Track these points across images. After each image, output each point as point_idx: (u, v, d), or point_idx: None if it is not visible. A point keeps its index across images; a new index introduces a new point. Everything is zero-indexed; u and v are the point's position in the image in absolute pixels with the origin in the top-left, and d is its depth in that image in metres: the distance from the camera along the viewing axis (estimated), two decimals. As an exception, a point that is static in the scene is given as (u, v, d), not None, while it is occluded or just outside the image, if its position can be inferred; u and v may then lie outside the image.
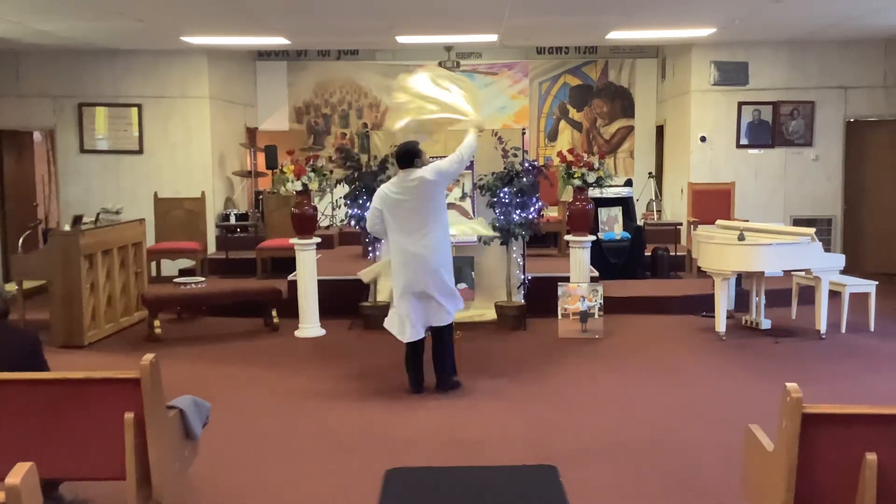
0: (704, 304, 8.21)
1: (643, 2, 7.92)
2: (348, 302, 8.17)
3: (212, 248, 10.71)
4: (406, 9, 8.14)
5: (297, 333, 7.78)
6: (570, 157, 7.88)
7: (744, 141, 10.86)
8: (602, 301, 7.63)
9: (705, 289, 8.19)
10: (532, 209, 7.85)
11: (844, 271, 7.66)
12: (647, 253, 9.93)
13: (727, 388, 6.05)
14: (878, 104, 10.74)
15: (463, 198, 7.99)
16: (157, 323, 7.73)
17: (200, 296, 8.14)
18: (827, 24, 9.14)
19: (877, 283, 7.80)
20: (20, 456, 2.41)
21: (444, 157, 6.00)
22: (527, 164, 8.01)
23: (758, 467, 3.18)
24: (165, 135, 10.83)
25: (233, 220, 11.13)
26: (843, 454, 2.84)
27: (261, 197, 11.29)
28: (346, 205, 8.07)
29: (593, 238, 8.14)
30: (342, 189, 8.29)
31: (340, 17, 8.49)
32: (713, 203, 10.02)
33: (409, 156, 5.71)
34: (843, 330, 7.59)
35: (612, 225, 9.99)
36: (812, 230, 7.40)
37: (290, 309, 7.99)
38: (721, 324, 7.39)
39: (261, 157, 11.64)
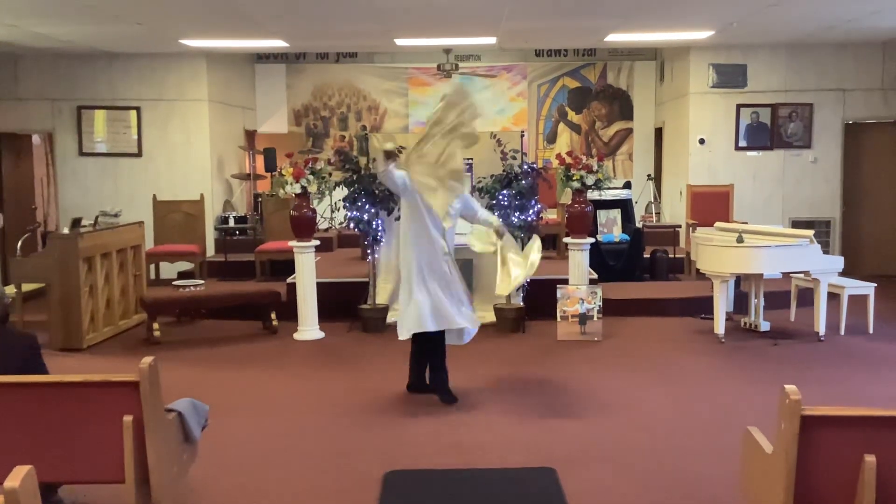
0: (703, 307, 8.21)
1: (641, 4, 7.93)
2: (347, 304, 8.17)
3: (211, 250, 10.71)
4: (404, 12, 8.14)
5: (296, 336, 7.78)
6: (568, 160, 7.89)
7: (742, 143, 10.87)
8: (601, 303, 7.63)
9: (704, 291, 8.19)
10: (531, 211, 7.86)
11: (843, 273, 7.66)
12: (646, 255, 9.94)
13: (726, 390, 6.05)
14: (876, 106, 10.75)
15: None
16: (155, 326, 7.72)
17: (199, 298, 8.13)
18: (825, 26, 9.15)
19: (875, 285, 7.81)
20: (19, 459, 2.40)
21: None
22: (525, 167, 8.02)
23: (757, 470, 3.18)
24: (164, 137, 10.83)
25: (231, 223, 11.13)
26: (842, 456, 2.84)
27: (259, 199, 11.29)
28: (344, 207, 8.06)
29: (592, 240, 8.15)
30: (341, 192, 8.29)
31: (339, 20, 8.50)
32: (712, 205, 10.03)
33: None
34: (842, 332, 7.60)
35: (610, 227, 9.99)
36: (811, 232, 7.40)
37: (289, 311, 7.99)
38: (720, 326, 7.39)
39: (259, 160, 11.64)
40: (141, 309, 8.13)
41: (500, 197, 7.77)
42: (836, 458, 2.85)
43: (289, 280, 8.50)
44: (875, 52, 10.64)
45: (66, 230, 7.98)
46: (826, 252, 8.61)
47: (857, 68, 10.69)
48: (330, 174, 8.06)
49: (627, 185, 11.49)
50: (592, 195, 8.29)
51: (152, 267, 9.76)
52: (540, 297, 8.01)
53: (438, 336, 5.73)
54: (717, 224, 8.21)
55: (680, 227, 10.71)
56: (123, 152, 10.85)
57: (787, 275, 7.82)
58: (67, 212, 10.38)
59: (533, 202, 7.87)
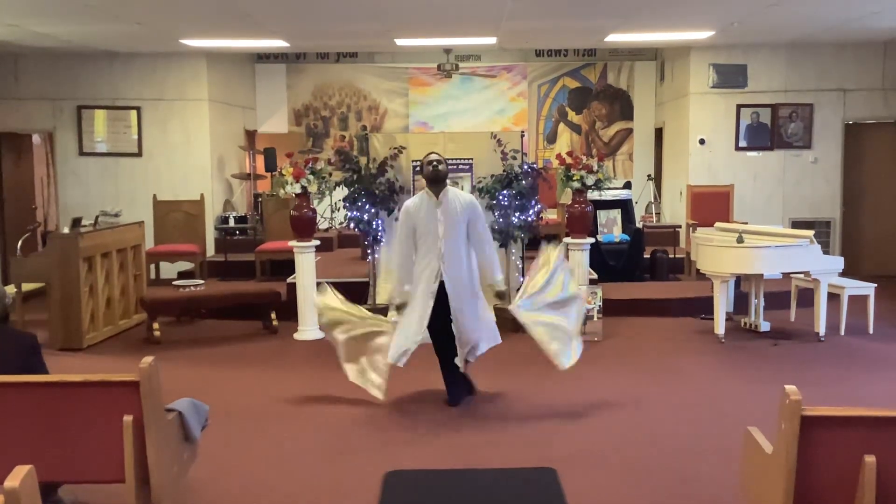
0: (703, 307, 8.21)
1: (642, 5, 7.93)
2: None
3: (211, 250, 10.71)
4: (405, 12, 8.15)
5: (296, 336, 7.78)
6: (568, 160, 7.89)
7: (742, 143, 10.87)
8: (601, 303, 7.63)
9: (704, 291, 8.20)
10: (531, 212, 7.85)
11: (843, 274, 7.66)
12: (646, 255, 9.94)
13: (726, 390, 6.05)
14: (877, 107, 10.75)
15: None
16: (155, 325, 7.72)
17: (199, 298, 8.14)
18: (825, 26, 9.15)
19: (875, 285, 7.81)
20: (19, 459, 2.40)
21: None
22: (526, 167, 8.01)
23: (757, 470, 3.18)
24: (164, 137, 10.83)
25: (232, 223, 11.13)
26: (842, 456, 2.84)
27: (260, 199, 11.29)
28: (345, 207, 8.06)
29: (592, 240, 8.15)
30: (341, 191, 8.29)
31: (339, 20, 8.50)
32: (712, 205, 10.04)
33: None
34: (842, 332, 7.60)
35: (611, 227, 9.99)
36: (811, 232, 7.40)
37: (289, 311, 7.99)
38: (720, 326, 7.39)
39: (260, 160, 11.64)
40: (141, 309, 8.13)
41: (501, 197, 7.76)
42: (835, 458, 2.85)
43: (289, 280, 8.51)
44: (875, 53, 10.64)
45: (66, 230, 7.98)
46: (826, 252, 8.61)
47: (857, 68, 10.69)
48: (330, 174, 8.06)
49: (628, 186, 11.50)
50: (592, 195, 8.29)
51: (152, 267, 9.76)
52: (540, 297, 8.00)
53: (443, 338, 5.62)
54: (718, 224, 8.21)
55: (680, 227, 10.71)
56: (124, 152, 10.85)
57: (787, 275, 7.81)
58: (68, 211, 10.38)
59: (533, 202, 7.87)
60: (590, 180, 7.79)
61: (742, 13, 8.34)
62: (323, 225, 11.28)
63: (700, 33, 9.60)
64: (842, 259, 7.67)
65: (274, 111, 12.68)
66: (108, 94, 10.77)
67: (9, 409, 3.29)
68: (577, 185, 7.80)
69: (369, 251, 8.17)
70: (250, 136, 12.02)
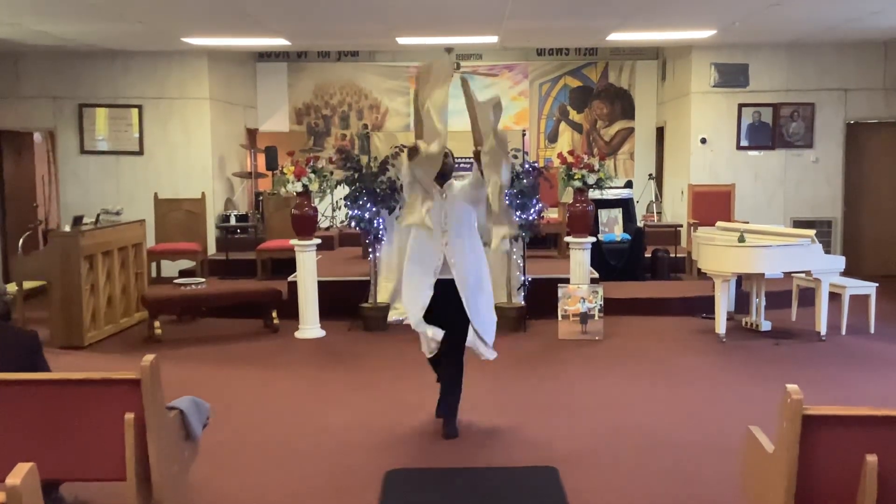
0: (704, 306, 8.21)
1: (643, 4, 7.92)
2: (348, 303, 8.17)
3: (212, 249, 10.71)
4: (406, 10, 8.14)
5: (297, 334, 7.78)
6: (570, 159, 7.89)
7: (744, 143, 10.87)
8: (602, 302, 7.63)
9: (705, 290, 8.19)
10: (532, 210, 7.85)
11: (844, 273, 7.66)
12: (648, 254, 9.94)
13: (727, 389, 6.04)
14: (878, 106, 10.74)
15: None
16: (157, 324, 7.72)
17: (200, 297, 8.14)
18: (826, 26, 9.15)
19: (877, 285, 7.81)
20: (20, 457, 2.40)
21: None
22: (527, 166, 8.02)
23: (758, 469, 3.18)
24: (165, 136, 10.83)
25: (233, 222, 11.13)
26: (844, 456, 2.84)
27: (261, 198, 11.29)
28: (346, 206, 8.07)
29: (593, 239, 8.15)
30: (342, 190, 8.30)
31: (341, 18, 8.50)
32: (713, 205, 10.03)
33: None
34: (844, 332, 7.60)
35: (612, 226, 9.99)
36: (812, 232, 7.40)
37: (290, 310, 7.99)
38: (721, 325, 7.39)
39: (261, 159, 11.65)
40: (142, 307, 8.13)
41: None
42: (837, 457, 2.85)
43: (290, 278, 8.51)
44: (877, 52, 10.63)
45: (67, 228, 7.97)
46: (827, 252, 8.60)
47: (858, 68, 10.68)
48: (331, 173, 8.06)
49: (629, 185, 11.49)
50: (594, 194, 8.29)
51: (153, 265, 9.76)
52: (541, 296, 8.01)
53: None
54: (719, 224, 8.21)
55: (681, 226, 10.71)
56: (125, 150, 10.85)
57: (788, 274, 7.81)
58: (69, 210, 10.38)
59: (534, 201, 7.87)
60: (591, 179, 7.79)
61: (743, 13, 8.34)
62: (324, 224, 11.29)
63: (701, 32, 9.59)
64: (843, 258, 7.67)
65: (275, 110, 12.68)
66: (109, 93, 10.77)
67: (10, 407, 3.29)
68: (578, 184, 7.81)
69: (370, 250, 8.17)
70: (251, 134, 12.03)
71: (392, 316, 8.10)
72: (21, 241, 8.55)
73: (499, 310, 7.87)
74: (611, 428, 5.18)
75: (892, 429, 2.82)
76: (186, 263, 10.11)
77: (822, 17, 8.64)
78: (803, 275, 7.61)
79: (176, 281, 8.38)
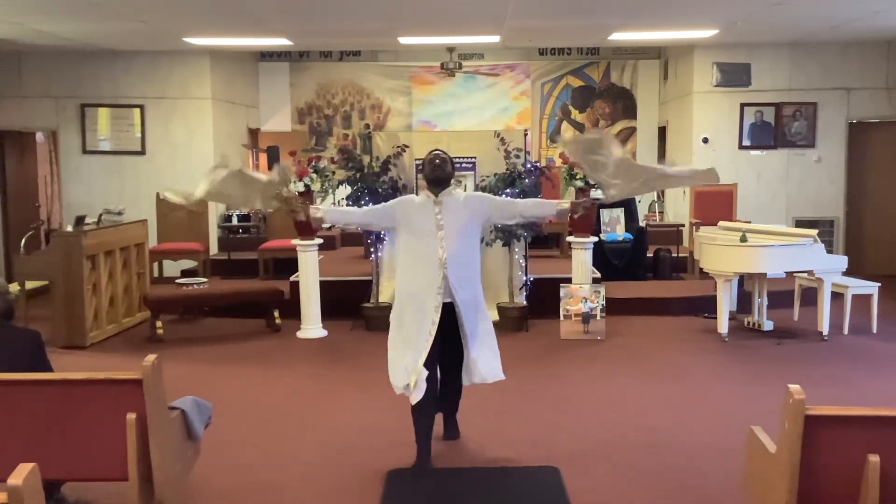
0: (706, 306, 8.20)
1: (645, 3, 7.92)
2: (350, 303, 8.17)
3: (214, 248, 10.72)
4: (408, 10, 8.14)
5: (299, 334, 7.78)
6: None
7: (746, 142, 10.86)
8: (604, 302, 7.62)
9: (707, 290, 8.19)
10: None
11: (847, 273, 7.64)
12: (650, 254, 9.93)
13: (729, 389, 6.04)
14: (881, 106, 10.73)
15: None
16: (159, 324, 7.73)
17: (202, 296, 8.14)
18: (829, 25, 9.14)
19: (879, 284, 7.79)
20: (22, 457, 2.41)
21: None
22: (529, 166, 8.02)
23: (760, 469, 3.18)
24: (167, 136, 10.83)
25: (235, 221, 11.14)
26: (846, 456, 2.83)
27: (263, 198, 11.27)
28: (348, 206, 8.06)
29: (595, 239, 8.15)
30: (344, 190, 8.30)
31: (343, 18, 8.50)
32: (715, 204, 10.01)
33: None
34: (846, 332, 7.59)
35: (614, 226, 9.98)
36: (814, 232, 7.39)
37: (292, 310, 8.00)
38: (723, 325, 7.38)
39: (263, 158, 11.65)
40: (144, 307, 8.14)
41: (504, 196, 7.76)
42: (839, 457, 2.85)
43: (292, 278, 8.51)
44: (879, 52, 10.62)
45: (69, 228, 7.98)
46: (830, 251, 8.59)
47: (861, 67, 10.67)
48: (333, 172, 8.07)
49: (631, 184, 11.45)
50: (596, 194, 8.27)
51: (156, 265, 9.77)
52: (543, 295, 8.01)
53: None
54: (721, 223, 8.20)
55: (683, 226, 10.70)
56: (127, 150, 10.86)
57: (790, 274, 7.80)
58: (71, 209, 10.38)
59: (536, 201, 7.85)
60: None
61: (746, 12, 8.33)
62: (326, 223, 11.27)
63: (704, 32, 9.58)
64: (845, 258, 7.66)
65: (277, 109, 12.68)
66: (111, 93, 10.77)
67: (12, 407, 3.29)
68: (580, 183, 7.80)
69: (372, 249, 8.17)
70: (253, 134, 12.03)
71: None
72: (23, 240, 8.56)
73: (501, 309, 7.93)
74: (613, 428, 5.18)
75: (894, 429, 2.82)
76: (188, 263, 10.12)
77: (825, 16, 8.63)
78: (805, 274, 7.60)
79: (178, 281, 8.38)
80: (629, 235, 9.84)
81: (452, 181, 4.69)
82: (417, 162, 7.95)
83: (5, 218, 10.74)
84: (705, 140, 10.84)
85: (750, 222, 8.96)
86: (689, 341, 7.51)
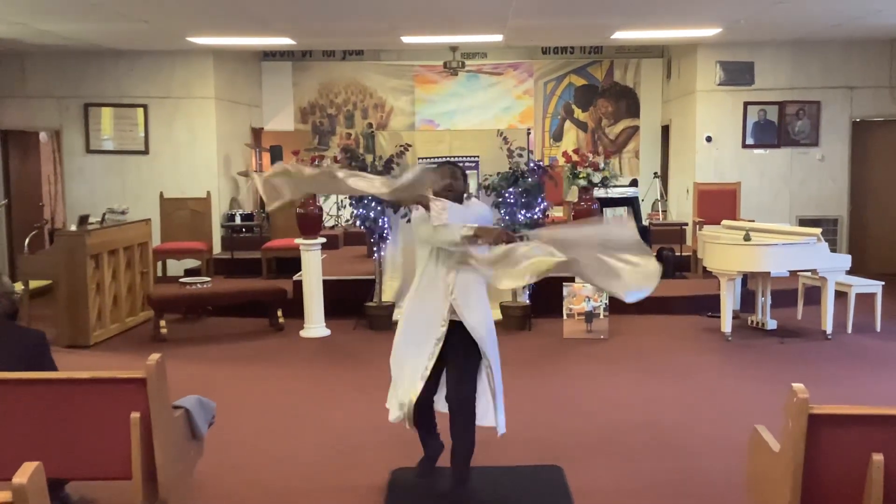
0: (710, 305, 8.20)
1: (648, 2, 7.91)
2: (353, 302, 8.17)
3: (217, 248, 10.73)
4: (411, 9, 8.14)
5: (303, 333, 7.79)
6: (575, 158, 7.89)
7: (749, 141, 10.84)
8: (607, 301, 7.62)
9: (711, 289, 8.18)
10: (537, 209, 7.85)
11: (850, 272, 7.63)
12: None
13: (732, 388, 6.03)
14: (884, 104, 10.71)
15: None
16: (162, 323, 7.74)
17: (206, 296, 8.15)
18: (832, 24, 9.12)
19: (883, 283, 7.78)
20: (27, 455, 2.41)
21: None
22: (532, 165, 8.01)
23: (763, 468, 3.17)
24: (171, 135, 10.84)
25: (238, 221, 11.14)
26: (850, 455, 2.83)
27: (266, 197, 11.27)
28: (351, 205, 8.08)
29: (598, 238, 8.12)
30: (347, 189, 8.28)
31: (346, 17, 8.49)
32: (719, 203, 10.01)
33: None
34: (850, 330, 7.58)
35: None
36: (818, 230, 7.38)
37: (295, 309, 8.00)
38: (727, 324, 7.38)
39: (266, 158, 11.65)
40: (148, 306, 8.14)
41: (507, 194, 7.76)
42: (843, 456, 2.84)
43: (295, 277, 8.52)
44: (882, 50, 10.60)
45: (73, 227, 8.00)
46: (833, 250, 8.59)
47: (864, 66, 10.65)
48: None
49: (634, 183, 11.48)
50: (599, 193, 8.29)
51: (159, 264, 9.79)
52: (546, 294, 8.01)
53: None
54: (724, 222, 8.19)
55: (686, 224, 10.69)
56: (130, 150, 10.87)
57: (794, 273, 7.79)
58: (74, 209, 10.40)
59: (539, 200, 7.86)
60: (596, 178, 7.78)
61: (749, 10, 8.32)
62: (329, 223, 11.29)
63: (707, 31, 9.57)
64: (849, 257, 7.65)
65: (280, 109, 12.69)
66: (114, 92, 10.78)
67: (17, 406, 3.30)
68: (583, 182, 7.80)
69: (375, 249, 8.18)
70: (256, 133, 12.03)
71: (397, 315, 8.11)
72: (27, 240, 8.55)
73: (504, 308, 7.93)
74: (616, 426, 5.18)
75: (898, 428, 2.81)
76: (192, 262, 10.13)
77: (828, 14, 8.61)
78: (809, 273, 7.59)
79: (181, 280, 8.39)
80: (632, 234, 9.82)
81: (464, 196, 4.29)
82: (420, 161, 7.96)
83: (9, 217, 10.76)
84: (708, 139, 10.82)
85: (753, 221, 8.95)
86: (692, 340, 7.50)
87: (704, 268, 7.92)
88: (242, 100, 11.89)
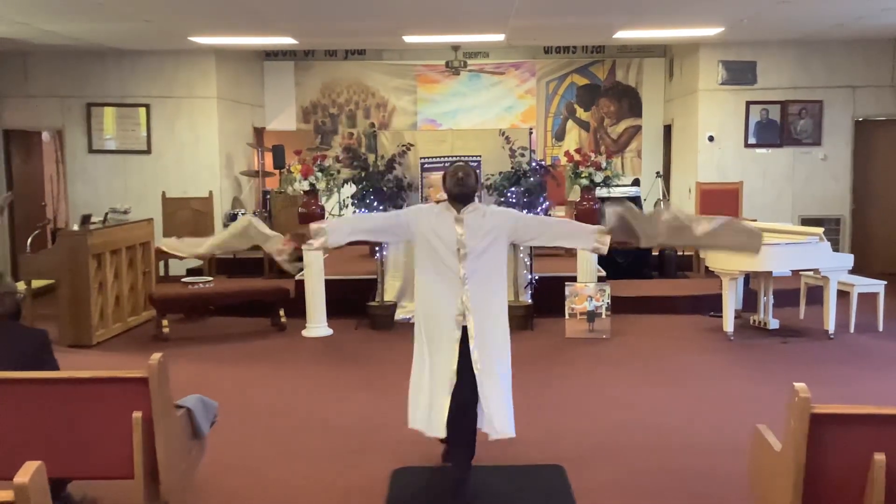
0: (712, 304, 8.19)
1: (650, 1, 7.90)
2: (355, 302, 8.18)
3: (219, 247, 10.71)
4: (413, 9, 8.14)
5: (305, 333, 7.79)
6: (577, 157, 7.87)
7: (752, 140, 10.83)
8: (609, 301, 7.62)
9: (713, 288, 8.17)
10: (539, 209, 7.85)
11: (853, 271, 7.63)
12: (655, 253, 9.91)
13: (735, 388, 6.03)
14: (887, 104, 10.70)
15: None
16: (164, 322, 7.74)
17: (208, 295, 8.16)
18: (834, 23, 9.11)
19: (885, 283, 7.77)
20: (29, 455, 2.41)
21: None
22: (534, 164, 8.01)
23: (765, 467, 3.17)
24: (173, 135, 10.85)
25: (240, 220, 11.12)
26: (852, 455, 2.83)
27: (268, 197, 11.29)
28: (353, 204, 8.07)
29: (600, 238, 8.11)
30: (349, 189, 8.30)
31: (348, 17, 8.50)
32: (721, 203, 10.00)
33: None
34: (852, 330, 7.57)
35: (619, 225, 9.95)
36: (820, 230, 7.38)
37: (297, 308, 8.00)
38: (729, 324, 7.37)
39: (268, 157, 11.65)
40: (150, 306, 8.15)
41: (509, 194, 7.76)
42: (845, 456, 2.84)
43: (297, 277, 8.51)
44: (885, 50, 10.58)
45: (75, 227, 8.00)
46: (836, 250, 8.56)
47: (867, 65, 10.63)
48: (338, 171, 8.06)
49: (636, 183, 11.45)
50: (601, 192, 8.27)
51: (161, 264, 9.79)
52: (548, 294, 8.01)
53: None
54: (727, 222, 8.17)
55: (689, 224, 10.66)
56: (133, 149, 10.88)
57: (796, 272, 7.79)
58: (77, 208, 10.42)
59: (541, 199, 7.86)
60: (598, 177, 7.77)
61: (752, 10, 8.31)
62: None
63: (709, 30, 9.56)
64: (851, 256, 7.64)
65: (282, 108, 12.69)
66: (116, 92, 10.79)
67: (19, 405, 3.30)
68: (585, 182, 7.79)
69: (377, 248, 8.18)
70: (259, 133, 12.03)
71: (399, 314, 8.12)
72: (29, 239, 8.56)
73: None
74: (618, 426, 5.18)
75: (900, 427, 2.81)
76: (194, 262, 10.13)
77: (831, 14, 8.60)
78: (811, 273, 7.58)
79: (184, 279, 8.40)
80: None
81: (476, 196, 4.22)
82: (422, 160, 7.96)
83: (11, 217, 10.77)
84: (711, 138, 10.81)
85: (756, 221, 8.94)
86: (694, 340, 7.50)
87: (707, 267, 7.92)
88: (245, 99, 11.90)
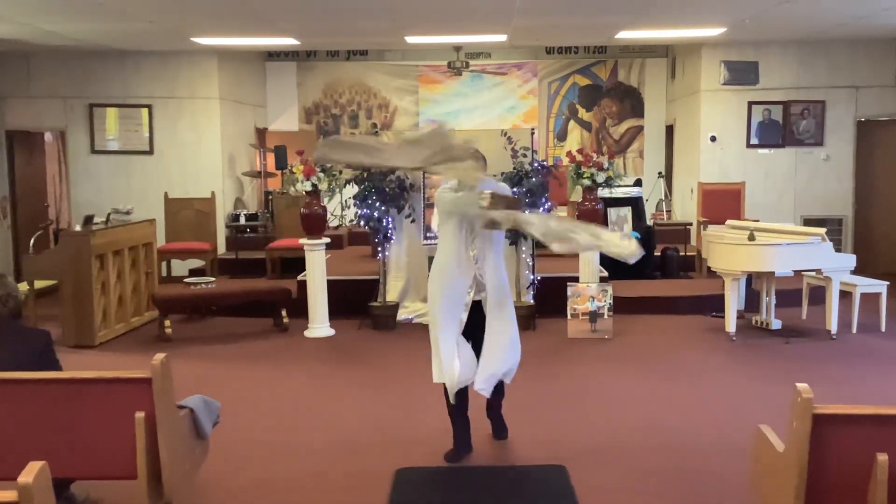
0: (714, 305, 8.19)
1: (652, 2, 7.90)
2: (358, 302, 8.18)
3: (222, 248, 10.74)
4: (415, 9, 8.14)
5: (307, 333, 7.80)
6: (579, 157, 7.88)
7: (754, 140, 10.83)
8: (611, 301, 7.62)
9: (715, 289, 8.17)
10: (541, 209, 7.84)
11: (855, 271, 7.63)
12: (657, 253, 9.91)
13: (737, 388, 6.03)
14: (889, 104, 10.69)
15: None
16: (167, 323, 7.75)
17: (210, 296, 8.16)
18: (837, 23, 9.10)
19: (888, 283, 7.77)
20: (32, 455, 2.42)
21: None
22: (536, 164, 8.01)
23: (768, 468, 3.17)
24: (175, 135, 10.86)
25: (243, 221, 11.15)
26: (854, 455, 2.83)
27: (270, 197, 11.31)
28: (355, 205, 8.08)
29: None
30: (351, 189, 8.30)
31: (350, 17, 8.50)
32: (723, 203, 10.00)
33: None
34: (854, 330, 7.56)
35: (621, 225, 9.97)
36: (823, 230, 7.37)
37: (299, 309, 8.01)
38: (731, 324, 7.37)
39: (270, 158, 11.66)
40: (152, 306, 8.16)
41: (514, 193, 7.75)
42: (847, 456, 2.84)
43: (299, 277, 8.52)
44: (887, 49, 10.58)
45: (78, 227, 8.01)
46: (838, 250, 8.58)
47: (869, 65, 10.63)
48: (340, 172, 8.07)
49: (638, 183, 11.46)
50: (603, 193, 8.28)
51: (164, 264, 9.80)
52: (550, 294, 8.01)
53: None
54: (729, 222, 8.18)
55: (691, 224, 10.68)
56: (135, 150, 10.89)
57: (798, 273, 7.78)
58: (79, 209, 10.42)
59: (543, 200, 7.86)
60: (600, 178, 7.77)
61: (754, 10, 8.30)
62: (333, 223, 11.30)
63: (711, 30, 9.56)
64: (854, 257, 7.64)
65: (284, 109, 12.70)
66: (119, 93, 10.81)
67: (22, 406, 3.31)
68: (587, 182, 7.79)
69: (379, 249, 8.18)
70: (261, 133, 12.05)
71: (402, 315, 8.12)
72: (32, 240, 8.59)
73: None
74: (620, 426, 5.18)
75: (902, 428, 2.81)
76: (196, 262, 10.15)
77: (833, 14, 8.60)
78: (814, 273, 7.58)
79: (186, 280, 8.41)
80: (637, 234, 9.79)
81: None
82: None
83: (14, 217, 10.79)
84: (713, 138, 10.81)
85: (758, 221, 8.95)
86: (697, 340, 7.50)
87: (709, 268, 7.91)
88: (247, 100, 11.91)
